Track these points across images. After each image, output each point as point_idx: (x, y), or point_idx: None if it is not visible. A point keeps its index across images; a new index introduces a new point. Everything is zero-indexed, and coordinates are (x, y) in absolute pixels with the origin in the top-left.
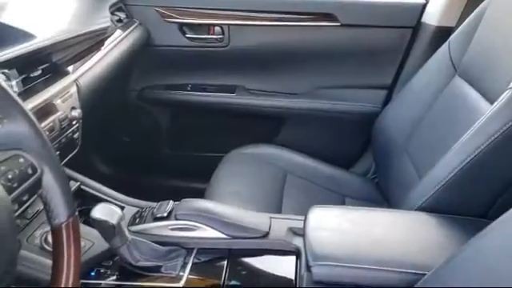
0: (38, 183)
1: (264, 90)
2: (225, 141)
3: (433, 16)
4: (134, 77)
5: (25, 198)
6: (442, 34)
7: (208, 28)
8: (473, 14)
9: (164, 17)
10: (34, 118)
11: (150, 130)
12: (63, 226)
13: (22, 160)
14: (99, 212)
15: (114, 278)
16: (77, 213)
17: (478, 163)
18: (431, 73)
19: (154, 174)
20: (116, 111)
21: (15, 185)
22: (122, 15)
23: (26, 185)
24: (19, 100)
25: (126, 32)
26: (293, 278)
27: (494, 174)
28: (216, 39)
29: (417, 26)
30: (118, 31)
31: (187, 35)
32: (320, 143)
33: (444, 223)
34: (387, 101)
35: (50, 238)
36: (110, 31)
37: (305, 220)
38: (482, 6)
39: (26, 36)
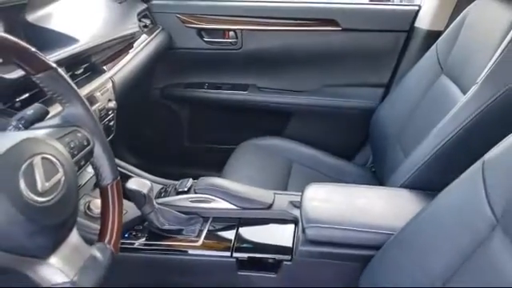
0: (91, 152)
1: (273, 87)
2: (238, 134)
3: (424, 21)
4: (158, 76)
5: (82, 163)
6: (432, 37)
7: (223, 32)
8: (456, 19)
9: (184, 23)
10: (88, 103)
11: (171, 124)
12: (109, 186)
13: (79, 134)
14: (133, 184)
15: (144, 239)
16: (119, 177)
17: (450, 146)
18: (421, 72)
19: (174, 164)
20: (141, 107)
21: (75, 152)
22: (148, 21)
23: (82, 153)
24: (77, 90)
25: (151, 36)
26: (291, 240)
27: (464, 155)
28: (230, 42)
29: (410, 30)
30: (144, 35)
31: (205, 39)
32: (323, 136)
33: (418, 197)
34: (384, 98)
35: (92, 206)
36: (137, 35)
37: (302, 194)
38: (464, 12)
39: (71, 40)
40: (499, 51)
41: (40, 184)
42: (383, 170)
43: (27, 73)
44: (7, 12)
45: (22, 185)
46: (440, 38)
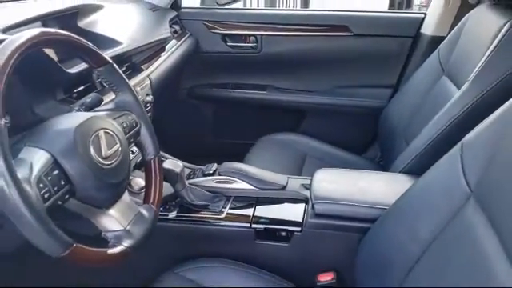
0: (138, 132)
1: (289, 88)
2: (257, 130)
3: (429, 27)
4: (185, 77)
5: (131, 140)
6: (436, 42)
7: (245, 37)
8: (457, 26)
9: (210, 29)
10: (136, 92)
11: (197, 120)
12: (152, 160)
13: (129, 117)
14: (168, 164)
15: (176, 211)
16: (160, 153)
17: (443, 137)
18: (425, 73)
19: (197, 157)
20: (171, 104)
21: (127, 131)
22: (177, 27)
23: (132, 132)
24: (128, 81)
25: (180, 41)
26: (302, 215)
27: (454, 144)
28: (251, 47)
29: (416, 36)
30: (174, 40)
31: (228, 43)
32: (335, 132)
33: (413, 180)
34: (392, 97)
35: (132, 183)
36: (168, 40)
37: (312, 177)
38: (463, 19)
39: (115, 43)
40: (487, 53)
41: (104, 151)
42: (390, 164)
43: (90, 66)
44: (62, 19)
45: (92, 151)
46: (442, 43)
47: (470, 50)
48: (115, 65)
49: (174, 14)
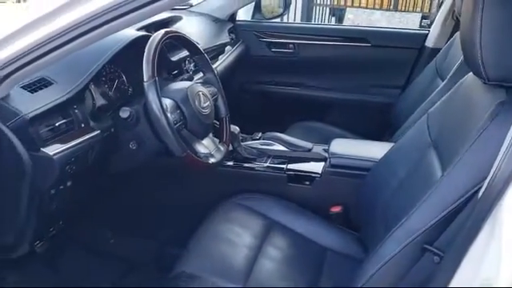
0: (216, 99)
1: (319, 85)
2: (291, 118)
3: (431, 41)
4: (237, 75)
5: (213, 103)
6: (435, 53)
7: (285, 45)
8: (449, 40)
9: (258, 37)
10: (216, 74)
11: (245, 109)
12: (224, 117)
13: (212, 89)
14: None
15: (233, 161)
16: (229, 114)
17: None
18: (425, 77)
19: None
20: (226, 96)
21: (211, 96)
22: (233, 35)
23: (214, 97)
24: (212, 66)
25: (235, 46)
26: (321, 167)
27: None
28: (290, 52)
29: (421, 48)
30: (229, 46)
31: (272, 49)
32: (355, 123)
33: None
34: (400, 95)
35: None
36: (227, 45)
37: (330, 143)
38: (455, 35)
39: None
40: (461, 58)
41: (202, 103)
42: None
43: (191, 54)
44: (159, 25)
45: (196, 102)
46: (439, 53)
47: (455, 57)
48: (206, 55)
49: (231, 25)
